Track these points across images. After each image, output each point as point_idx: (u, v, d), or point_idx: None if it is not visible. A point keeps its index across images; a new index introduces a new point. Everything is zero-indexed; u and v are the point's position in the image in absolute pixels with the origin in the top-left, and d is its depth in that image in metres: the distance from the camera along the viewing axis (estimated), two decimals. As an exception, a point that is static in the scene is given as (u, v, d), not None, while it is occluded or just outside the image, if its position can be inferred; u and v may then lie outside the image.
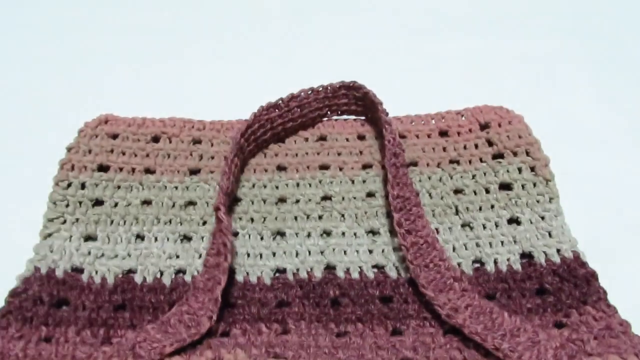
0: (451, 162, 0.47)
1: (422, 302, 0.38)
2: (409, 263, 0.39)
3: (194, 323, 0.35)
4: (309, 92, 0.48)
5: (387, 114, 0.46)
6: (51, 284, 0.39)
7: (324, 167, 0.47)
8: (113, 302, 0.39)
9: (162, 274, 0.41)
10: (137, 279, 0.40)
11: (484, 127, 0.48)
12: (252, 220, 0.44)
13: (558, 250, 0.40)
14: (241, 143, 0.44)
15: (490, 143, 0.47)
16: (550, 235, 0.42)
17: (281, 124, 0.48)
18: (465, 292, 0.37)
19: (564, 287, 0.38)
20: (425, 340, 0.35)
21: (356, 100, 0.50)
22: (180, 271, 0.41)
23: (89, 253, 0.41)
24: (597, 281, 0.39)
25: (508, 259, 0.41)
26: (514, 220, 0.43)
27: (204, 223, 0.44)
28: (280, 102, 0.46)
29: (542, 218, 0.43)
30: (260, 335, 0.36)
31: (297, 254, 0.42)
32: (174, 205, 0.44)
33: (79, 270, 0.41)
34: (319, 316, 0.38)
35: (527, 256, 0.41)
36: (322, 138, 0.49)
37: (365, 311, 0.38)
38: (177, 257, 0.42)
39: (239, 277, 0.41)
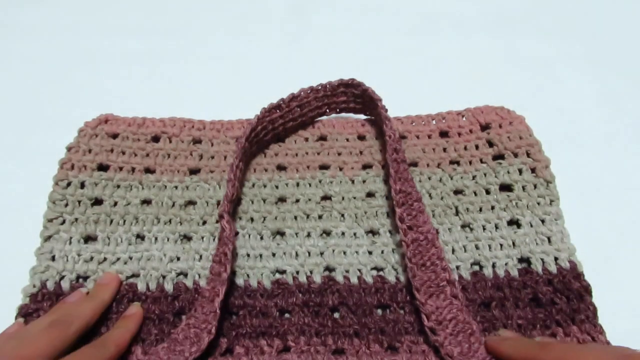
0: (451, 162, 0.47)
1: (417, 312, 0.38)
2: (408, 261, 0.39)
3: (197, 339, 0.35)
4: (309, 92, 0.48)
5: (386, 111, 0.46)
6: (59, 300, 0.39)
7: (324, 167, 0.47)
8: (120, 314, 0.39)
9: (164, 278, 0.41)
10: (140, 286, 0.41)
11: (485, 127, 0.48)
12: (252, 220, 0.44)
13: (556, 259, 0.41)
14: (246, 147, 0.44)
15: (490, 144, 0.47)
16: (549, 241, 0.42)
17: (282, 124, 0.47)
18: (454, 298, 0.37)
19: (556, 300, 0.39)
20: (418, 359, 0.36)
21: (355, 98, 0.50)
22: (181, 274, 0.41)
23: (91, 258, 0.42)
24: (590, 296, 0.39)
25: (506, 264, 0.41)
26: (514, 222, 0.43)
27: (204, 223, 0.44)
28: (282, 102, 0.46)
29: (542, 222, 0.43)
30: (262, 355, 0.36)
31: (296, 255, 0.42)
32: (173, 205, 0.44)
33: (83, 278, 0.41)
34: (318, 329, 0.38)
35: (524, 261, 0.42)
36: (322, 138, 0.49)
37: (363, 325, 0.38)
38: (178, 259, 0.42)
39: (240, 281, 0.41)
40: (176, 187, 0.45)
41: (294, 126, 0.49)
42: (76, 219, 0.43)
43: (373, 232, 0.44)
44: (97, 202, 0.44)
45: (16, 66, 0.59)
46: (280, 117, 0.47)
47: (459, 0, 0.66)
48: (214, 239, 0.43)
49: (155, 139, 0.48)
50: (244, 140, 0.43)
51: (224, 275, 0.37)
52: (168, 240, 0.43)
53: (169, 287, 0.40)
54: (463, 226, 0.44)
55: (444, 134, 0.49)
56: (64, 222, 0.43)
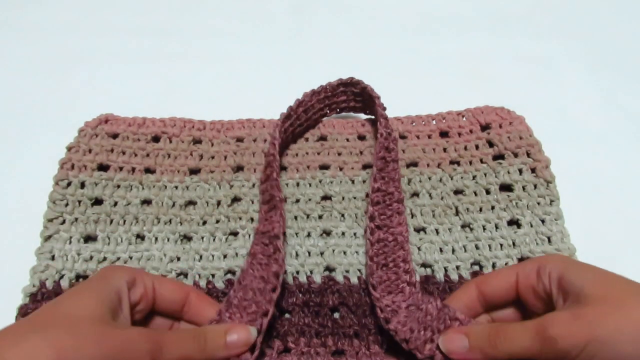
0: (451, 162, 0.47)
1: None
2: (369, 259, 0.38)
3: None
4: (311, 95, 0.47)
5: (384, 109, 0.46)
6: None
7: (324, 167, 0.47)
8: None
9: None
10: None
11: (485, 128, 0.48)
12: (252, 220, 0.44)
13: (556, 258, 0.41)
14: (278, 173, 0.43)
15: (490, 144, 0.47)
16: (549, 241, 0.42)
17: (291, 131, 0.47)
18: (412, 295, 0.37)
19: None
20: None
21: (355, 97, 0.50)
22: (181, 274, 0.41)
23: (91, 258, 0.41)
24: None
25: (506, 264, 0.41)
26: (514, 222, 0.43)
27: (204, 223, 0.44)
28: (291, 111, 0.46)
29: (543, 222, 0.43)
30: (262, 357, 0.36)
31: (296, 255, 0.42)
32: (174, 205, 0.44)
33: (83, 277, 0.41)
34: (318, 330, 0.38)
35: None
36: (322, 138, 0.49)
37: (363, 325, 0.38)
38: (178, 259, 0.42)
39: (240, 281, 0.41)
40: (176, 187, 0.45)
41: (300, 131, 0.49)
42: (76, 219, 0.43)
43: (373, 232, 0.44)
44: (97, 202, 0.44)
45: (16, 66, 0.59)
46: (290, 124, 0.47)
47: (459, 0, 0.66)
48: (214, 239, 0.43)
49: (156, 139, 0.48)
50: (277, 164, 0.42)
51: (273, 296, 0.35)
52: (168, 240, 0.43)
53: None
54: (463, 226, 0.44)
55: (444, 134, 0.49)
56: (64, 221, 0.43)
